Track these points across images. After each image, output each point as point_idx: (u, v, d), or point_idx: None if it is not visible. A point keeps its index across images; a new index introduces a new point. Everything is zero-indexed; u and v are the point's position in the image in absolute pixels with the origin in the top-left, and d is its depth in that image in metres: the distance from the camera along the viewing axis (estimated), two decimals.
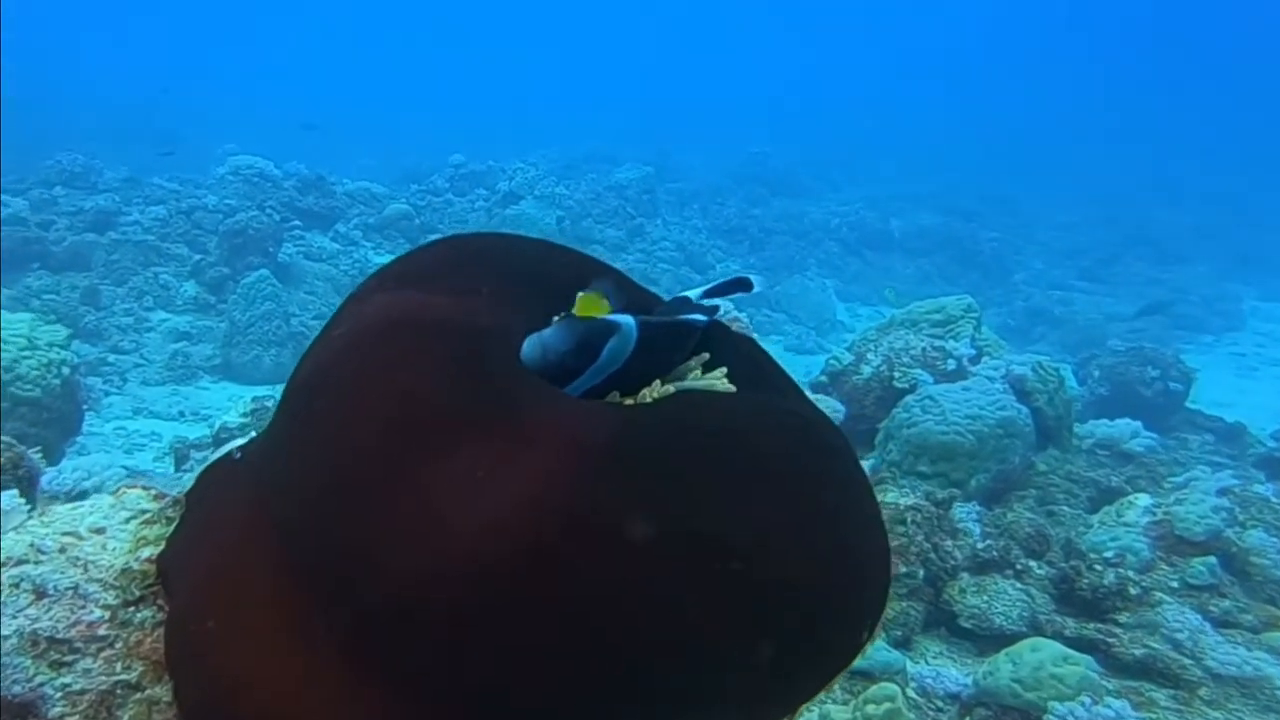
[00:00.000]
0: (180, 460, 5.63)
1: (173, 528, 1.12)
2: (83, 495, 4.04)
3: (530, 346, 1.08)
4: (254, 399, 6.28)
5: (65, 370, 5.04)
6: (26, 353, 4.92)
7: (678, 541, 0.92)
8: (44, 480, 3.91)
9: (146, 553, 1.08)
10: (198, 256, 9.74)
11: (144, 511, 1.14)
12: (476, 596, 0.88)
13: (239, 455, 1.12)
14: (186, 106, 20.74)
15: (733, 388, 1.17)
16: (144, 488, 1.17)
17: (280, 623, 0.94)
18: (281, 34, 33.33)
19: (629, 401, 1.13)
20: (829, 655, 1.04)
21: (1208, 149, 24.85)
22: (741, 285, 1.41)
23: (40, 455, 3.53)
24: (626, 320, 1.14)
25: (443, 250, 1.32)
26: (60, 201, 10.20)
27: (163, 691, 0.99)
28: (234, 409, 6.20)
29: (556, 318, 1.16)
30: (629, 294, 1.31)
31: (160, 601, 1.05)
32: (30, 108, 17.63)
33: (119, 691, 0.98)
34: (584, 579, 0.89)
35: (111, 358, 8.38)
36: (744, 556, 0.94)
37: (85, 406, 5.70)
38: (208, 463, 1.15)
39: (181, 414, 7.73)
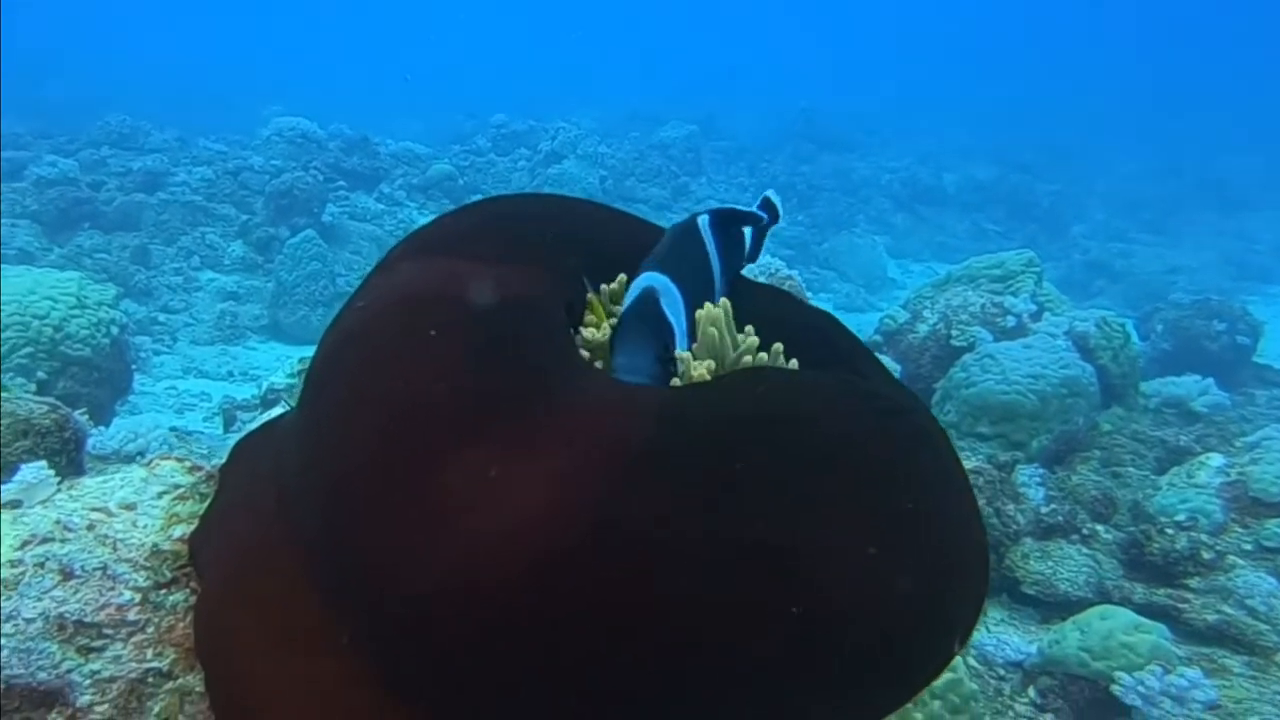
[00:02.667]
0: (228, 422, 5.61)
1: (206, 505, 1.04)
2: (129, 458, 4.01)
3: (626, 375, 1.01)
4: (301, 359, 6.23)
5: (114, 330, 5.00)
6: (76, 312, 4.89)
7: (727, 553, 0.81)
8: (90, 442, 3.88)
9: (179, 531, 1.01)
10: (244, 217, 9.74)
11: (177, 486, 1.07)
12: (497, 609, 0.79)
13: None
14: (233, 67, 20.75)
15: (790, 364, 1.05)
16: (178, 459, 1.10)
17: (302, 627, 0.86)
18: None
19: (695, 372, 1.02)
20: (911, 675, 0.92)
21: (1274, 91, 24.26)
22: (757, 215, 1.33)
23: (87, 416, 3.48)
24: (650, 280, 1.09)
25: (476, 214, 1.22)
26: (109, 162, 10.23)
27: (195, 680, 0.92)
28: (281, 369, 6.16)
29: (585, 332, 1.10)
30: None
31: (193, 584, 0.98)
32: (78, 69, 17.73)
33: (150, 680, 0.91)
34: (616, 594, 0.79)
35: (162, 317, 8.40)
36: (809, 571, 0.82)
37: (134, 366, 5.67)
38: (242, 435, 1.07)
39: (230, 374, 7.74)
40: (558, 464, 0.82)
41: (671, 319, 1.06)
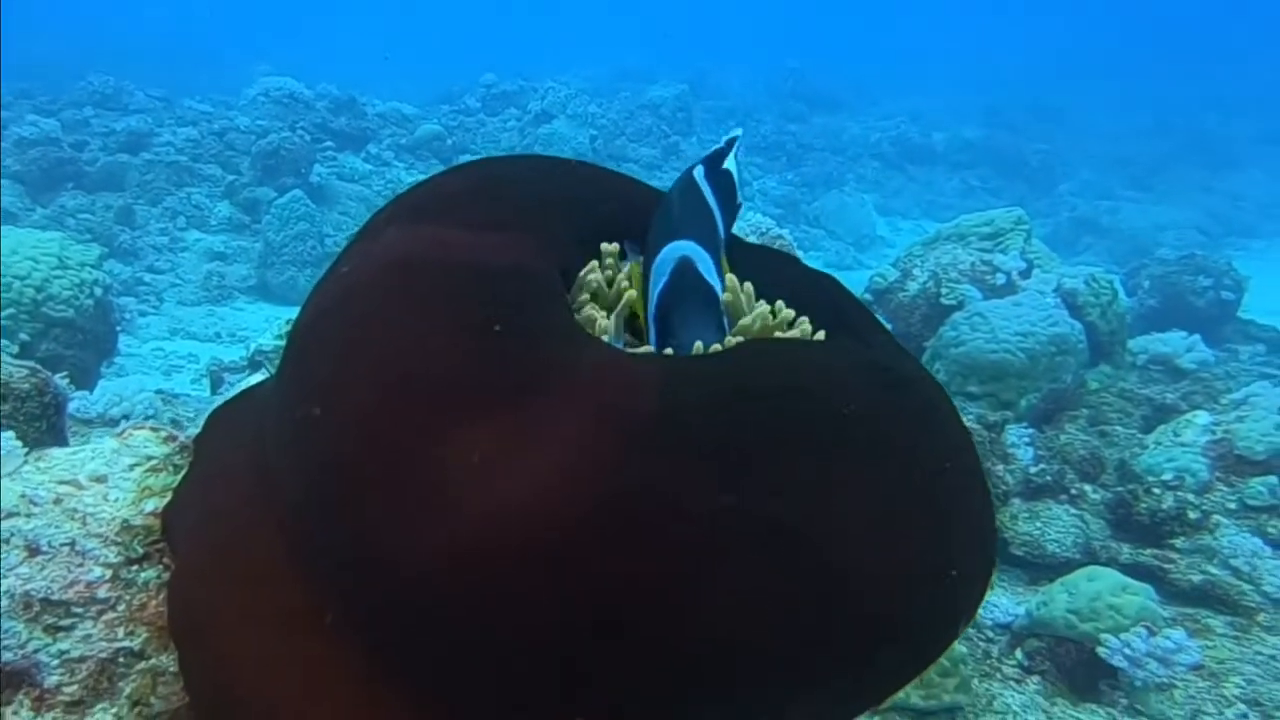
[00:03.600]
0: (216, 384, 5.57)
1: (180, 477, 1.01)
2: (113, 421, 3.98)
3: (692, 342, 0.98)
4: (289, 320, 6.19)
5: (98, 290, 4.95)
6: (58, 272, 4.83)
7: (737, 530, 0.78)
8: (73, 406, 3.86)
9: (151, 505, 0.98)
10: (231, 177, 9.68)
11: (150, 458, 1.04)
12: (497, 590, 0.76)
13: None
14: (219, 26, 20.58)
15: (810, 332, 1.02)
16: (152, 429, 1.07)
17: (284, 605, 0.83)
18: None
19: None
20: (923, 654, 0.90)
21: (1264, 52, 24.17)
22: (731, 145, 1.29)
23: (68, 380, 3.44)
24: (681, 250, 1.05)
25: (465, 177, 1.17)
26: (92, 122, 10.16)
27: (168, 661, 0.89)
28: (270, 330, 6.13)
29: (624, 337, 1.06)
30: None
31: (166, 560, 0.95)
32: (59, 28, 17.55)
33: (121, 659, 0.89)
34: (623, 573, 0.76)
35: (148, 277, 8.35)
36: (821, 550, 0.80)
37: (119, 328, 5.63)
38: (217, 404, 1.05)
39: (218, 335, 7.70)
40: (559, 439, 0.79)
41: (714, 278, 1.04)
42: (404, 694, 0.81)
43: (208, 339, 7.65)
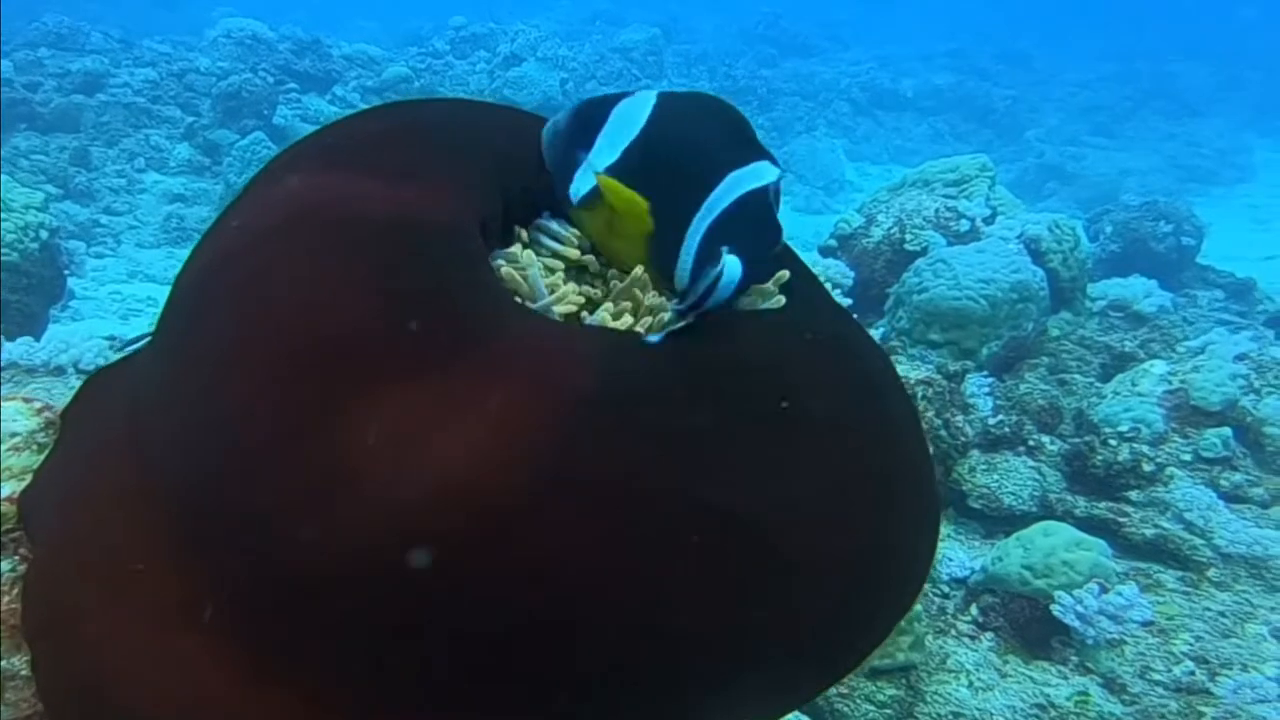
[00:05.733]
0: None
1: (43, 457, 0.94)
2: (59, 370, 3.87)
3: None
4: None
5: (44, 234, 4.83)
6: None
7: (677, 516, 0.72)
8: (18, 353, 3.76)
9: (8, 489, 0.91)
10: (190, 119, 9.49)
11: (13, 435, 0.96)
12: (407, 581, 0.69)
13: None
14: None
15: (781, 299, 0.94)
16: (25, 399, 1.00)
17: (157, 600, 0.76)
18: None
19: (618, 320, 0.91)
20: (867, 636, 0.86)
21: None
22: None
23: None
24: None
25: (380, 121, 1.07)
26: (46, 63, 9.93)
27: (20, 663, 0.83)
28: None
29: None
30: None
31: (22, 550, 0.88)
32: None
33: None
34: (554, 562, 0.70)
35: (104, 219, 8.19)
36: (767, 536, 0.75)
37: (68, 271, 5.50)
38: (92, 373, 0.97)
39: None
40: (484, 415, 0.72)
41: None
42: (294, 698, 0.74)
43: (166, 282, 7.47)
